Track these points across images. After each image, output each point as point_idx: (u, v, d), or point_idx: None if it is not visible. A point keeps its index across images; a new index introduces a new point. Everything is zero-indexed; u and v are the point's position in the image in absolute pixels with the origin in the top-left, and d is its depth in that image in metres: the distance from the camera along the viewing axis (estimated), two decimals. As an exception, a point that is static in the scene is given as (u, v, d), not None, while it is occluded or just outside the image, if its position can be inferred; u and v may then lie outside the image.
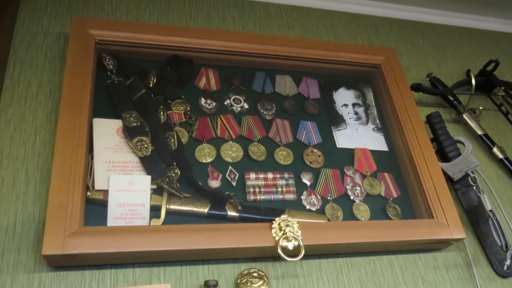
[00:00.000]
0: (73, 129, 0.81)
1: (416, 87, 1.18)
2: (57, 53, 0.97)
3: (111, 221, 0.78)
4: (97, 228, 0.75)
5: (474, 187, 1.04)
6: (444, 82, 1.26)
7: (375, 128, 1.12)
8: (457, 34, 1.49)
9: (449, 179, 1.06)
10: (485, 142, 1.20)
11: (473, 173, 1.05)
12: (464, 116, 1.21)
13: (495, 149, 1.18)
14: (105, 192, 0.80)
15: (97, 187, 0.80)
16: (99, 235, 0.73)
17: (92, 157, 0.83)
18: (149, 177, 0.82)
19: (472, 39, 1.50)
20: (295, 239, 0.81)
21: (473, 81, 1.27)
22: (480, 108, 1.23)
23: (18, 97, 0.90)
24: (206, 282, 0.77)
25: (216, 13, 1.19)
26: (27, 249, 0.75)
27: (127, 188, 0.81)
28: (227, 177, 0.91)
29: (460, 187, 1.07)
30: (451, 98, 1.23)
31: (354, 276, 0.89)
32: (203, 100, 1.00)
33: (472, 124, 1.21)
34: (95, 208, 0.79)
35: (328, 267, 0.88)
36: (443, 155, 1.10)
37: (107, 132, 0.86)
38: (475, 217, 1.04)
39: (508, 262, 0.97)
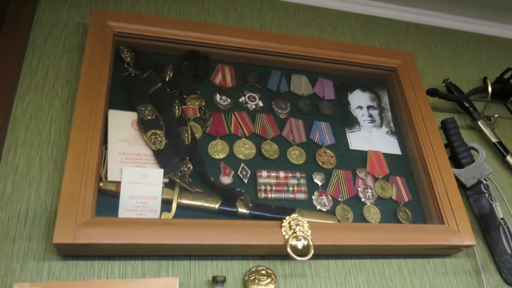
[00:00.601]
0: (88, 120, 0.82)
1: (432, 92, 1.17)
2: (75, 43, 0.98)
3: (122, 213, 0.78)
4: (108, 219, 0.75)
5: (486, 195, 1.03)
6: (460, 88, 1.25)
7: (389, 132, 1.11)
8: (475, 40, 1.48)
9: (461, 185, 1.05)
10: (499, 150, 1.18)
11: (486, 180, 1.04)
12: (479, 123, 1.20)
13: (508, 157, 1.17)
14: (118, 183, 0.80)
15: (110, 178, 0.80)
16: (110, 226, 0.73)
17: (106, 148, 0.83)
18: (161, 171, 0.83)
19: (490, 46, 1.48)
20: (305, 238, 0.81)
21: (490, 89, 1.25)
22: (496, 115, 1.22)
23: (35, 86, 0.90)
24: (214, 278, 0.77)
25: (235, 10, 1.19)
26: (38, 237, 0.75)
27: (140, 180, 0.81)
28: (239, 174, 0.91)
29: (472, 193, 1.06)
30: (467, 105, 1.22)
31: (362, 278, 0.89)
32: (218, 96, 1.00)
33: (486, 131, 1.20)
34: (107, 199, 0.80)
35: (336, 268, 0.88)
36: (457, 161, 1.09)
37: (122, 124, 0.87)
38: (486, 225, 1.03)
39: (518, 272, 0.96)
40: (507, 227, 0.99)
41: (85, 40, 0.96)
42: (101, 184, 0.80)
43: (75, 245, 0.70)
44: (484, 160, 1.06)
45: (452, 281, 0.95)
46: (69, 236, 0.70)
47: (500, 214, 0.98)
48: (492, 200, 1.01)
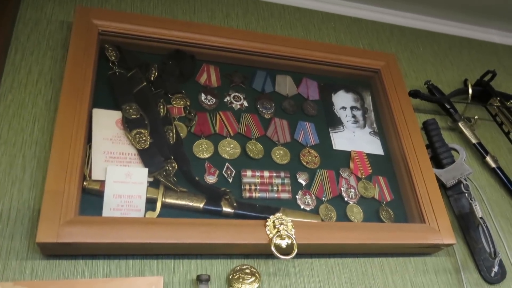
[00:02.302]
0: (72, 118, 0.81)
1: (414, 94, 1.19)
2: (59, 41, 0.97)
3: (106, 212, 0.78)
4: (92, 218, 0.75)
5: (466, 194, 1.05)
6: (441, 90, 1.27)
7: (372, 132, 1.13)
8: (457, 43, 1.51)
9: (442, 185, 1.07)
10: (479, 151, 1.21)
11: (466, 180, 1.06)
12: (460, 124, 1.23)
13: (488, 158, 1.20)
14: (102, 182, 0.80)
15: (94, 177, 0.80)
16: (94, 225, 0.73)
17: (90, 147, 0.83)
18: (146, 170, 0.83)
19: (472, 49, 1.52)
20: (289, 237, 0.81)
21: (470, 91, 1.28)
22: (476, 117, 1.25)
23: (18, 83, 0.89)
24: (198, 276, 0.77)
25: (220, 10, 1.19)
26: (21, 236, 0.75)
27: (124, 179, 0.81)
28: (224, 174, 0.91)
29: (453, 193, 1.09)
30: (448, 106, 1.24)
31: (344, 277, 0.90)
32: (203, 96, 1.00)
33: (467, 132, 1.22)
34: (91, 198, 0.79)
35: (319, 266, 0.89)
36: (437, 162, 1.11)
37: (107, 123, 0.86)
38: (466, 224, 1.05)
39: (495, 269, 0.99)
40: (486, 226, 1.01)
41: (69, 37, 0.95)
42: (85, 183, 0.79)
43: (58, 244, 0.70)
44: (464, 161, 1.08)
45: (432, 279, 0.97)
46: (52, 235, 0.69)
47: (479, 213, 1.01)
48: (471, 200, 1.03)
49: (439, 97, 1.25)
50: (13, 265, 0.72)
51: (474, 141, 1.21)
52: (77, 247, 0.73)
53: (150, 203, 0.82)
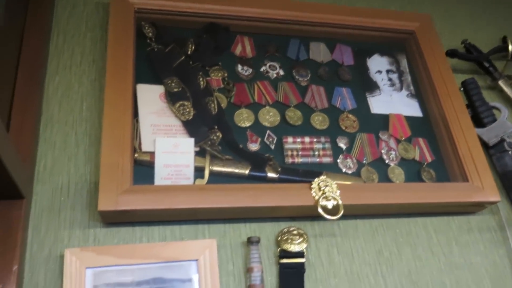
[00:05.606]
0: (119, 95, 0.84)
1: (451, 53, 1.17)
2: (97, 22, 1.00)
3: (158, 181, 0.82)
4: (146, 186, 0.79)
5: (510, 152, 1.04)
6: (479, 49, 1.24)
7: (409, 94, 1.12)
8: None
9: (483, 144, 1.06)
10: (521, 108, 1.19)
11: (509, 138, 1.05)
12: (500, 82, 1.20)
13: (530, 115, 1.17)
14: (151, 154, 0.84)
15: (144, 149, 0.84)
16: (149, 193, 0.77)
17: (137, 121, 0.86)
18: (192, 140, 0.86)
19: (509, 4, 1.46)
20: (334, 198, 0.83)
21: (510, 47, 1.25)
22: (516, 74, 1.22)
23: (63, 65, 0.93)
24: (249, 239, 0.80)
25: (251, -19, 1.19)
26: (81, 207, 0.79)
27: (172, 150, 0.84)
28: (266, 141, 0.93)
29: (495, 152, 1.07)
30: (487, 65, 1.21)
31: (389, 237, 0.91)
32: (239, 67, 1.02)
33: (507, 90, 1.20)
34: (142, 169, 0.83)
35: (364, 227, 0.91)
36: (478, 121, 1.10)
37: (150, 97, 0.90)
38: (509, 182, 1.04)
39: (541, 225, 0.98)
40: (530, 183, 1.00)
41: (105, 18, 0.98)
42: (136, 155, 0.83)
43: (117, 211, 0.74)
44: (507, 119, 1.07)
45: (477, 237, 0.97)
46: (112, 203, 0.74)
47: (523, 170, 1.00)
48: (515, 157, 1.02)
49: (477, 55, 1.22)
50: (77, 233, 0.77)
51: (515, 98, 1.19)
52: (134, 214, 0.77)
53: (198, 171, 0.85)
